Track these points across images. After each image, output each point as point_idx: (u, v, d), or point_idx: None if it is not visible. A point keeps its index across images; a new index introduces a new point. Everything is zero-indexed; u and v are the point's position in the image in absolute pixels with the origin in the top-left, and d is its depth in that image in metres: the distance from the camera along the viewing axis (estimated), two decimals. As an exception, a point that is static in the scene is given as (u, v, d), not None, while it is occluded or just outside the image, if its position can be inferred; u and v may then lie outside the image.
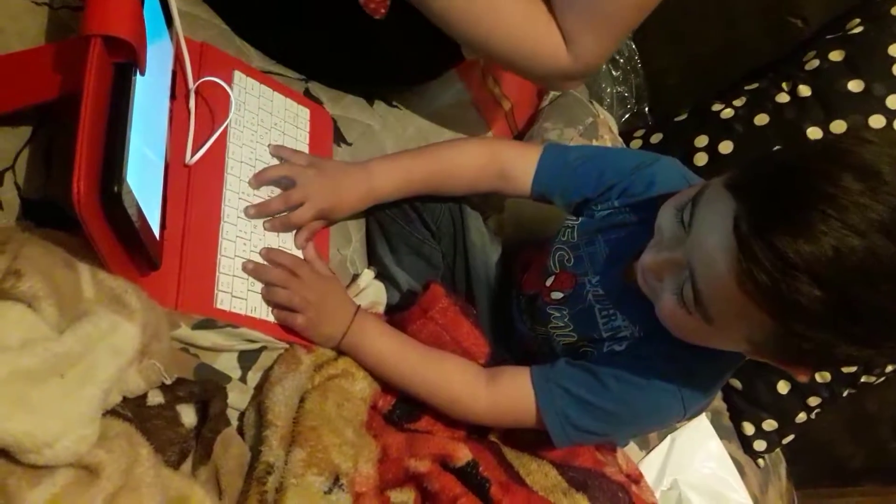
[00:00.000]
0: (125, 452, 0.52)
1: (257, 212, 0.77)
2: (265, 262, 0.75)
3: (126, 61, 0.56)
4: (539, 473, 0.81)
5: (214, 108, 0.76)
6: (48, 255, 0.52)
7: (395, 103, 1.04)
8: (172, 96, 0.71)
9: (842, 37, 1.22)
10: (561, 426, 0.76)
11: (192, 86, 0.74)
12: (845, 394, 1.23)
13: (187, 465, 0.62)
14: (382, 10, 0.87)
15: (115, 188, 0.52)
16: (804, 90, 1.20)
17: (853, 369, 1.18)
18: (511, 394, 0.77)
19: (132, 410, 0.59)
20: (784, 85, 1.23)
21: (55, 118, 0.63)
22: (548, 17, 0.83)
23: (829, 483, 1.70)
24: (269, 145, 0.81)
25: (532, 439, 0.84)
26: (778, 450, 1.33)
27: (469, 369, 0.79)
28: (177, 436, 0.61)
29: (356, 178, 0.83)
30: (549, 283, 0.85)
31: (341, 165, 0.85)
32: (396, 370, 0.77)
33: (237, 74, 0.80)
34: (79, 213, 0.49)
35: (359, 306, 0.78)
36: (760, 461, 1.27)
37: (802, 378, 0.68)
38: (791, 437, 1.27)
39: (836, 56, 1.20)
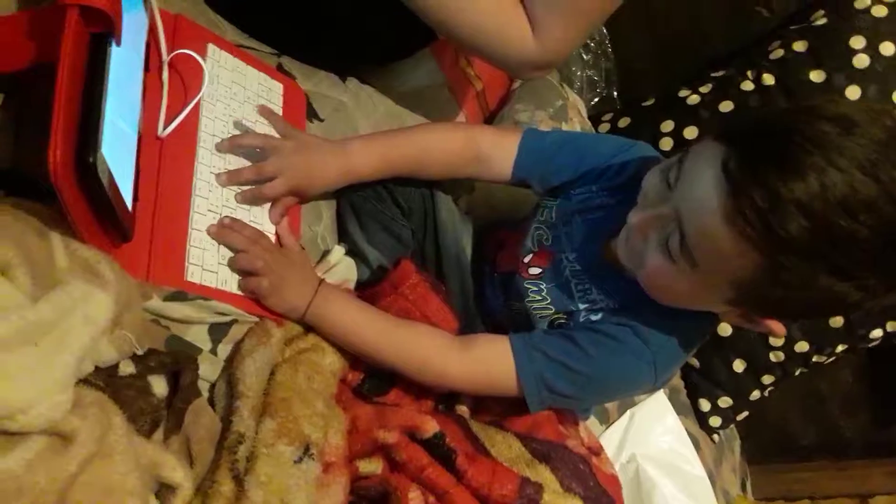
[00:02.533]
0: (99, 420, 0.53)
1: (228, 179, 0.77)
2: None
3: (102, 31, 0.55)
4: (503, 445, 0.83)
5: (188, 81, 0.76)
6: (20, 223, 0.53)
7: (367, 81, 1.04)
8: (146, 68, 0.71)
9: (806, 27, 1.25)
10: (537, 389, 0.78)
11: (165, 58, 0.73)
12: (797, 373, 1.28)
13: (158, 435, 0.63)
14: None
15: (91, 158, 0.52)
16: (768, 79, 1.23)
17: (806, 347, 1.22)
18: (487, 358, 0.79)
19: (104, 380, 0.59)
20: (749, 73, 1.26)
21: (25, 86, 0.63)
22: (515, 3, 0.84)
23: (780, 459, 1.77)
24: (256, 106, 0.81)
25: (498, 412, 0.87)
26: (732, 426, 1.38)
27: (439, 334, 0.80)
28: (148, 406, 0.62)
29: (333, 157, 0.83)
30: (527, 259, 0.87)
31: (319, 142, 0.85)
32: (365, 339, 0.77)
33: (211, 48, 0.80)
34: (54, 182, 0.50)
35: (322, 279, 0.78)
36: (715, 437, 1.32)
37: (777, 335, 0.71)
38: (745, 414, 1.31)
39: (799, 46, 1.23)
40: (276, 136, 0.82)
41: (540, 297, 0.85)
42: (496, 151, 0.88)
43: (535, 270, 0.86)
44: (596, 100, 1.53)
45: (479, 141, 0.88)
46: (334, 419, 0.73)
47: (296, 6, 0.88)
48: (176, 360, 0.65)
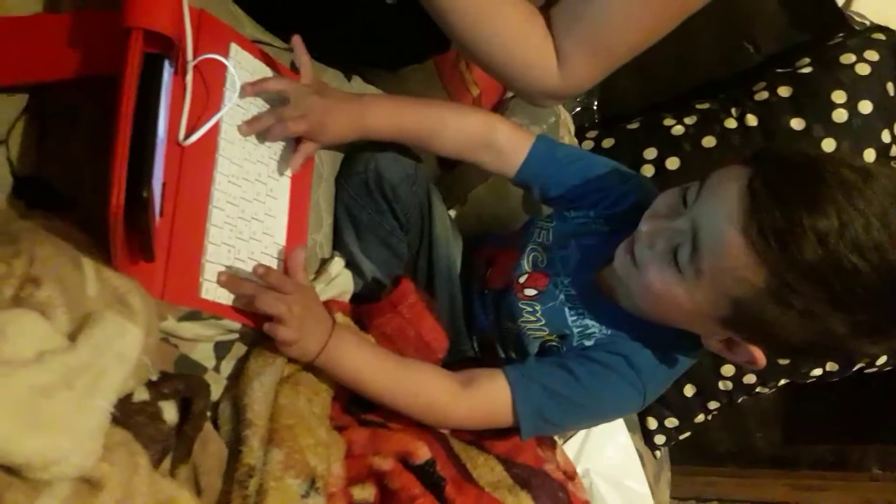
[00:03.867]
0: (126, 464, 0.51)
1: (248, 127, 0.76)
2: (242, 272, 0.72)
3: (158, 53, 0.52)
4: (485, 468, 0.84)
5: (210, 84, 0.72)
6: (59, 256, 0.50)
7: (369, 80, 1.02)
8: (174, 70, 0.67)
9: (791, 74, 1.29)
10: (532, 419, 0.79)
11: (191, 61, 0.69)
12: (740, 400, 1.35)
13: (167, 463, 0.61)
14: None
15: (144, 192, 0.49)
16: (751, 119, 1.27)
17: (753, 379, 1.29)
18: (487, 396, 0.80)
19: (118, 408, 0.57)
20: (733, 111, 1.30)
21: (49, 90, 0.58)
22: (545, 32, 0.84)
23: (696, 462, 1.88)
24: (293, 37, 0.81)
25: (479, 431, 0.88)
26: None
27: (443, 375, 0.80)
28: (159, 433, 0.60)
29: (351, 107, 0.83)
30: (522, 280, 0.88)
31: (340, 92, 0.84)
32: (373, 382, 0.76)
33: (233, 48, 0.76)
34: (112, 223, 0.47)
35: (333, 319, 0.76)
36: (657, 453, 1.39)
37: (758, 365, 0.76)
38: (687, 434, 1.39)
39: (783, 91, 1.27)
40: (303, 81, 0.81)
41: (534, 319, 0.86)
42: (509, 145, 0.88)
43: (530, 292, 0.87)
44: (577, 109, 1.54)
45: (495, 130, 0.88)
46: (335, 447, 0.73)
47: (321, 6, 0.85)
48: (189, 387, 0.63)
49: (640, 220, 0.78)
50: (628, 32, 0.81)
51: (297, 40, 0.82)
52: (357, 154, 0.91)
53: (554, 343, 0.85)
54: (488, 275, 0.96)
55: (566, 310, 0.84)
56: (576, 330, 0.83)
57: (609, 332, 0.82)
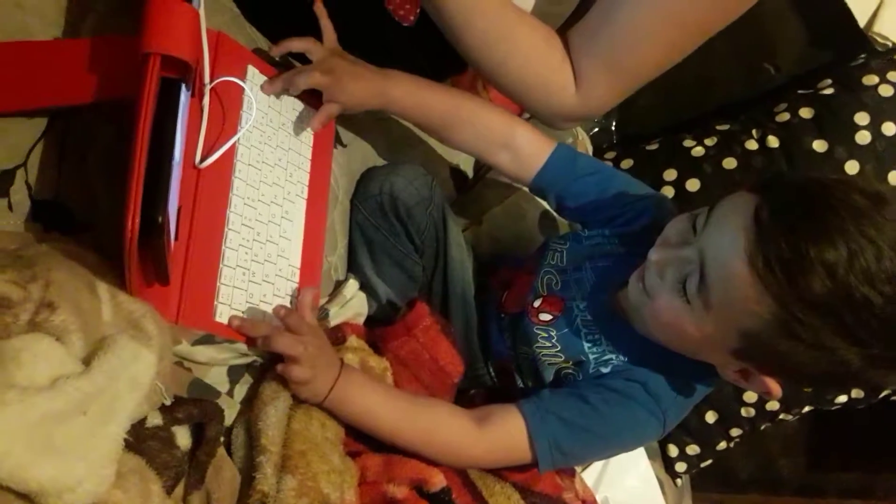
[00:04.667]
0: (139, 491, 0.51)
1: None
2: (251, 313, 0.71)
3: (176, 77, 0.52)
4: (502, 496, 0.83)
5: (227, 107, 0.72)
6: (74, 280, 0.49)
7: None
8: (191, 93, 0.67)
9: (813, 95, 1.27)
10: (550, 453, 0.77)
11: (208, 84, 0.69)
12: (763, 427, 1.32)
13: (179, 490, 0.61)
14: (412, 18, 0.85)
15: (159, 217, 0.49)
16: (773, 141, 1.25)
17: (776, 406, 1.27)
18: (503, 434, 0.78)
19: (131, 433, 0.57)
20: (754, 132, 1.28)
21: (71, 108, 0.59)
22: (563, 54, 0.84)
23: (717, 489, 1.84)
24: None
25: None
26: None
27: (458, 414, 0.78)
28: (172, 459, 0.59)
29: (375, 76, 0.82)
30: (536, 304, 0.86)
31: (363, 62, 0.83)
32: (384, 422, 0.75)
33: (250, 70, 0.76)
34: (128, 248, 0.46)
35: (341, 360, 0.75)
36: (678, 480, 1.36)
37: (774, 396, 0.73)
38: (709, 461, 1.36)
39: (805, 113, 1.25)
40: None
41: (549, 345, 0.84)
42: (529, 149, 0.86)
43: (545, 316, 0.85)
44: (596, 129, 1.53)
45: (516, 131, 0.85)
46: (348, 474, 0.72)
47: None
48: (202, 412, 0.62)
49: (654, 240, 0.76)
50: (648, 54, 0.80)
51: (319, 7, 0.81)
52: (372, 175, 0.91)
53: (570, 371, 0.83)
54: (504, 298, 0.94)
55: (582, 335, 0.82)
56: (592, 357, 0.81)
57: (626, 358, 0.80)
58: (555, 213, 1.05)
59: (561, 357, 0.83)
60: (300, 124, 0.82)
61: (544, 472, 0.80)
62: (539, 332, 0.85)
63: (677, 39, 0.79)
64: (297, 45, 0.78)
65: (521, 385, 0.89)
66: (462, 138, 0.87)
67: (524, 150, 0.86)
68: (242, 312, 0.70)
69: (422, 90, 0.84)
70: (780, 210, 0.63)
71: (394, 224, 0.91)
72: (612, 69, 0.82)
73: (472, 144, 0.87)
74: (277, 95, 0.79)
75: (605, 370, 0.80)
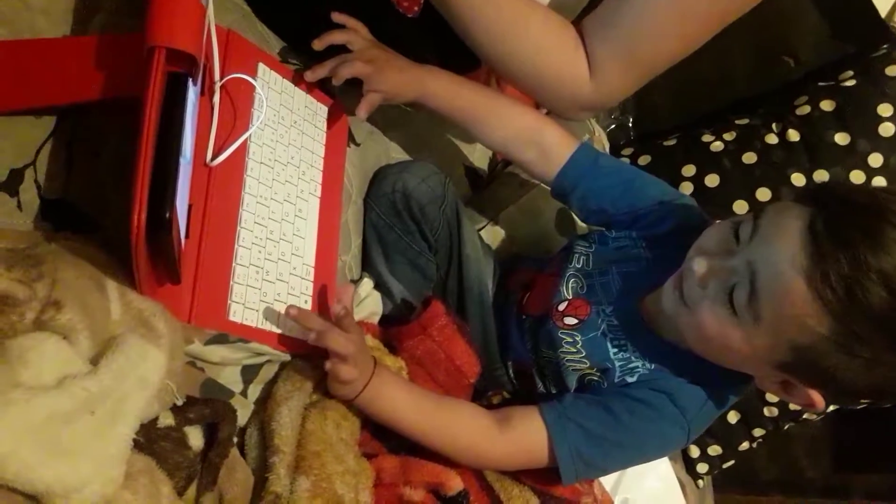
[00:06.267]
0: (148, 493, 0.50)
1: (313, 73, 0.78)
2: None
3: (181, 72, 0.51)
4: (520, 499, 0.82)
5: (238, 105, 0.72)
6: (82, 279, 0.49)
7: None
8: (201, 91, 0.66)
9: (834, 87, 1.25)
10: (572, 463, 0.76)
11: (218, 82, 0.69)
12: (786, 427, 1.29)
13: (192, 491, 0.60)
14: (416, 8, 0.83)
15: (167, 213, 0.48)
16: (793, 135, 1.23)
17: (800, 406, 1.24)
18: (524, 437, 0.77)
19: (142, 434, 0.56)
20: (774, 126, 1.26)
21: (78, 108, 0.58)
22: (577, 42, 0.81)
23: (740, 490, 1.81)
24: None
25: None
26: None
27: (480, 415, 0.78)
28: (184, 459, 0.59)
29: (413, 68, 0.83)
30: (561, 307, 0.84)
31: (399, 54, 0.84)
32: (414, 423, 0.75)
33: (261, 67, 0.76)
34: (134, 243, 0.46)
35: (374, 359, 0.75)
36: (700, 482, 1.33)
37: (818, 408, 0.72)
38: (731, 462, 1.33)
39: (826, 106, 1.23)
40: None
41: (574, 350, 0.82)
42: (555, 146, 0.86)
43: (570, 320, 0.83)
44: (612, 126, 1.51)
45: (544, 129, 0.86)
46: (363, 475, 0.71)
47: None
48: (215, 412, 0.62)
49: (681, 243, 0.75)
50: (663, 41, 0.78)
51: (339, 15, 0.81)
52: (384, 174, 0.90)
53: (594, 378, 0.81)
54: (526, 300, 0.92)
55: (608, 341, 0.80)
56: (618, 364, 0.79)
57: (652, 366, 0.78)
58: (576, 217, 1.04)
59: (586, 363, 0.81)
60: (312, 122, 0.81)
61: (566, 484, 0.79)
62: (564, 336, 0.83)
63: (694, 26, 0.77)
64: (338, 37, 0.79)
65: (543, 389, 0.88)
66: (492, 134, 0.87)
67: (551, 147, 0.86)
68: (256, 310, 0.69)
69: (458, 86, 0.85)
70: (835, 223, 0.62)
71: (407, 222, 0.90)
72: (627, 57, 0.80)
73: (501, 140, 0.88)
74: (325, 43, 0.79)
75: (630, 379, 0.78)
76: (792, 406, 1.24)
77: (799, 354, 0.65)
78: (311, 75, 0.79)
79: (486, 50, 0.83)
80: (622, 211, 0.85)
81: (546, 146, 0.86)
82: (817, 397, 0.71)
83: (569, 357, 0.82)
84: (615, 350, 0.80)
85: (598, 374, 0.80)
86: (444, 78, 0.85)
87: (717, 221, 0.74)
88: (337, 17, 0.81)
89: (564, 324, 0.83)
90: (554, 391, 0.86)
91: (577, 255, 0.87)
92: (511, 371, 0.93)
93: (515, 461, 0.79)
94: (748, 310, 0.66)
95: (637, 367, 0.78)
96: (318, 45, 0.78)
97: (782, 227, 0.65)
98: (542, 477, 0.83)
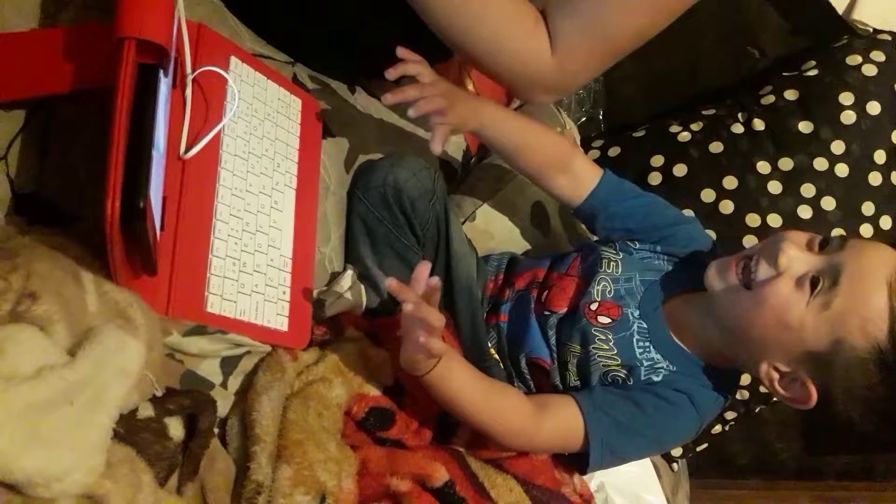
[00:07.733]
0: (130, 481, 0.50)
1: (394, 97, 0.81)
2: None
3: (153, 63, 0.51)
4: (504, 488, 0.82)
5: (210, 98, 0.72)
6: (57, 270, 0.49)
7: (372, 92, 1.01)
8: (173, 84, 0.66)
9: (797, 77, 1.28)
10: (601, 452, 0.81)
11: (190, 74, 0.69)
12: (758, 409, 1.32)
13: (173, 481, 0.60)
14: None
15: (141, 203, 0.49)
16: (758, 124, 1.26)
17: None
18: (563, 421, 0.81)
19: (122, 424, 0.56)
20: (740, 116, 1.28)
21: (50, 101, 0.58)
22: (537, 16, 0.80)
23: (716, 475, 1.84)
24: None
25: (496, 449, 0.86)
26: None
27: (525, 401, 0.81)
28: (165, 450, 0.59)
29: (473, 99, 0.89)
30: (594, 307, 0.88)
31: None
32: (471, 404, 0.77)
33: (233, 61, 0.76)
34: (108, 233, 0.46)
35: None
36: (675, 465, 1.36)
37: (810, 405, 0.77)
38: (705, 445, 1.36)
39: (790, 95, 1.26)
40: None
41: (607, 347, 0.86)
42: (584, 173, 0.93)
43: (604, 320, 0.88)
44: (583, 119, 1.53)
45: (573, 156, 0.93)
46: (346, 462, 0.72)
47: (319, 18, 0.85)
48: (195, 403, 0.62)
49: (695, 260, 0.87)
50: (630, 14, 0.77)
51: (404, 51, 0.83)
52: (375, 167, 0.90)
53: (620, 374, 0.85)
54: (546, 297, 0.94)
55: (636, 342, 0.86)
56: (645, 363, 0.85)
57: (674, 368, 0.84)
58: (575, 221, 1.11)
59: (617, 360, 0.86)
60: (286, 115, 0.81)
61: (590, 472, 0.85)
62: (598, 333, 0.87)
63: (658, 5, 0.77)
64: (412, 68, 0.82)
65: (559, 383, 0.89)
66: (531, 162, 0.92)
67: (581, 174, 0.93)
68: (234, 302, 0.69)
69: (506, 116, 0.91)
70: None
71: (397, 216, 0.90)
72: (592, 31, 0.79)
73: (535, 168, 0.93)
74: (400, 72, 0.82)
75: (655, 378, 0.84)
76: (762, 388, 1.26)
77: (835, 350, 0.73)
78: (391, 98, 0.81)
79: (443, 25, 0.80)
80: (646, 230, 0.93)
81: (577, 172, 0.92)
82: (815, 396, 0.76)
83: (601, 353, 0.86)
84: (641, 350, 0.85)
85: (625, 371, 0.85)
86: (497, 108, 0.90)
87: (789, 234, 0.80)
88: (402, 52, 0.82)
89: (598, 322, 0.88)
90: (571, 385, 0.88)
91: (605, 261, 0.92)
92: (524, 364, 0.93)
93: (552, 446, 0.84)
94: (822, 296, 0.73)
95: (662, 367, 0.84)
96: (393, 74, 0.80)
97: (879, 248, 0.77)
98: (524, 466, 0.84)
